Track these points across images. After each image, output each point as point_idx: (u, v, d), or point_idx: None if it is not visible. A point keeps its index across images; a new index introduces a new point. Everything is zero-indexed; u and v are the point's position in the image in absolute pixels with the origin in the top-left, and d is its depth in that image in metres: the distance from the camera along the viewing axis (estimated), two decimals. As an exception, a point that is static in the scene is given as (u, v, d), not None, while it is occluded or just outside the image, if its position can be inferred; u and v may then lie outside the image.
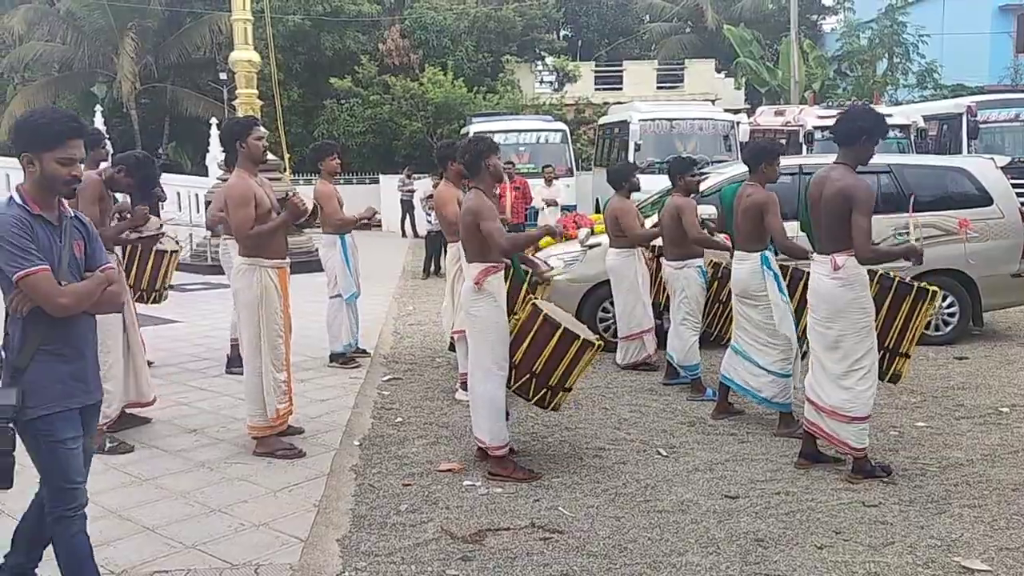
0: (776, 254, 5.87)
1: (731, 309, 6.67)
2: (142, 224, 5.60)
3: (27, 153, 3.00)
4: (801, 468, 5.03)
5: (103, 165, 5.79)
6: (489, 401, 4.92)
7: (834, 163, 4.79)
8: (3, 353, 3.08)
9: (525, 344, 4.96)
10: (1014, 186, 8.89)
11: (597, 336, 5.22)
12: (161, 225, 7.05)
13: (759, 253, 5.74)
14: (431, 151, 23.01)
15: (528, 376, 4.99)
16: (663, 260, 7.04)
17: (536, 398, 5.07)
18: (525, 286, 5.94)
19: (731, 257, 6.24)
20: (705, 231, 6.82)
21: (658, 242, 7.47)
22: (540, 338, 4.93)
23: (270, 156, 15.37)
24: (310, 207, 5.36)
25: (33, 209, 3.00)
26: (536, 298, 5.47)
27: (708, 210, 7.20)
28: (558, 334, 4.91)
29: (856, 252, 4.61)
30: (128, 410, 5.63)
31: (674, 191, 6.90)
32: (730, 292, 6.63)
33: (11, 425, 2.98)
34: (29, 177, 3.03)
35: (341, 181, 7.75)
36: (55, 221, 3.07)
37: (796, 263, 6.09)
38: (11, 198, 3.03)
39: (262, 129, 5.29)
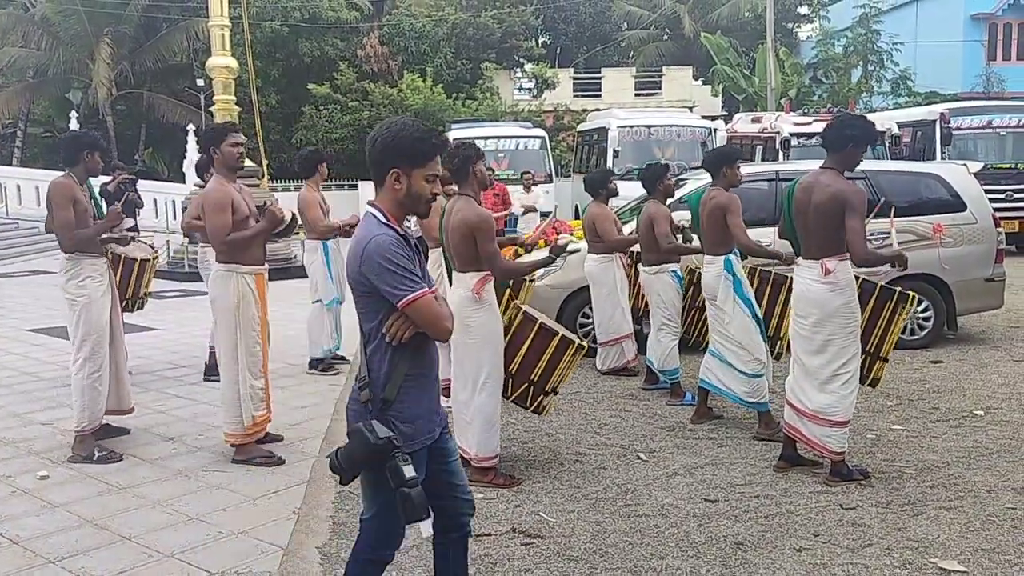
0: (742, 257, 5.93)
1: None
2: (117, 223, 5.55)
3: (397, 169, 2.78)
4: (780, 471, 5.07)
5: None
6: (482, 411, 4.83)
7: (821, 168, 4.82)
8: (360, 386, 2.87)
9: (522, 353, 4.95)
10: (987, 192, 9.02)
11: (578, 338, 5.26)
12: (134, 226, 7.01)
13: (723, 257, 5.79)
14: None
15: (527, 385, 5.00)
16: (639, 266, 7.08)
17: (533, 405, 5.09)
18: (508, 291, 5.95)
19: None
20: (680, 237, 6.87)
21: (636, 248, 7.51)
22: (537, 346, 4.95)
23: (249, 162, 15.34)
24: (288, 216, 5.31)
25: (398, 228, 2.82)
26: (520, 303, 5.48)
27: (686, 216, 7.24)
28: (555, 341, 4.93)
29: (853, 255, 4.65)
30: (109, 417, 5.57)
31: (651, 198, 6.94)
32: (706, 297, 6.69)
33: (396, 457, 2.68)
34: (392, 194, 2.81)
35: (319, 188, 7.70)
36: (409, 241, 2.86)
37: (776, 267, 6.16)
38: (374, 217, 2.82)
39: (239, 136, 5.24)
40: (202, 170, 8.24)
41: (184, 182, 22.31)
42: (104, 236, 5.53)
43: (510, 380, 4.99)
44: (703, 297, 6.89)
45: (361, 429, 2.70)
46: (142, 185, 13.94)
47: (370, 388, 2.82)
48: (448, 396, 5.68)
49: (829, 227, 4.68)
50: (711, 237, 5.89)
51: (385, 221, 2.80)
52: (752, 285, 5.97)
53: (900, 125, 16.07)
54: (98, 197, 5.84)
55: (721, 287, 5.77)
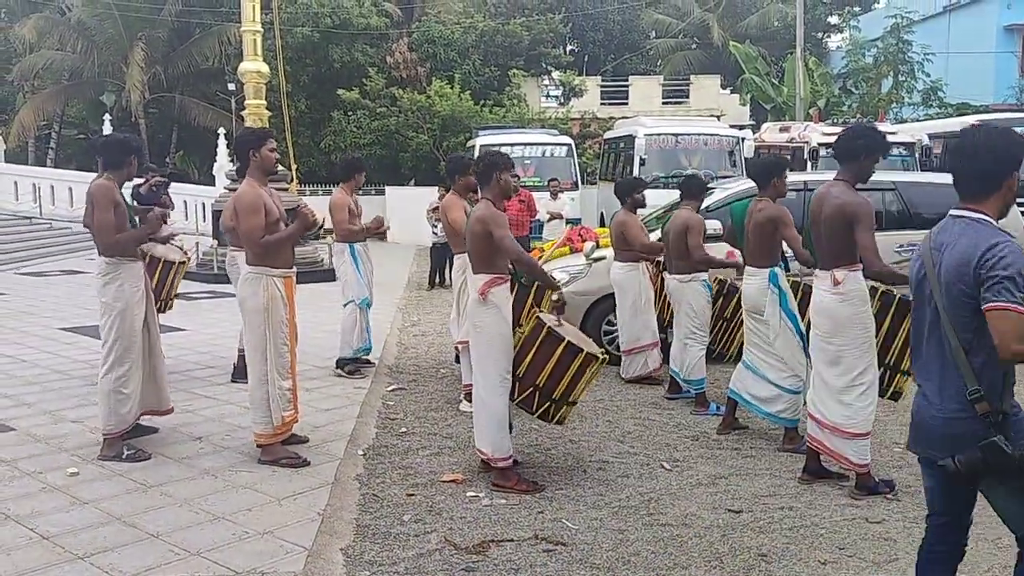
0: (788, 270, 5.88)
1: (735, 327, 6.69)
2: (158, 229, 5.65)
3: (1015, 173, 2.81)
4: (804, 483, 5.03)
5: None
6: (492, 413, 4.93)
7: (834, 179, 4.83)
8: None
9: (529, 357, 4.96)
10: (1019, 205, 8.88)
11: (602, 350, 5.23)
12: (172, 235, 7.14)
13: (768, 270, 5.75)
14: (437, 163, 23.18)
15: (532, 389, 4.99)
16: (667, 274, 7.02)
17: (539, 412, 5.07)
18: (530, 298, 5.96)
19: (738, 273, 6.24)
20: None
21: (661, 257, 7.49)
22: (544, 351, 4.93)
23: (279, 166, 15.49)
24: (320, 219, 5.40)
25: None
26: (541, 310, 5.48)
27: (714, 224, 7.22)
28: (561, 348, 4.90)
29: (865, 267, 4.64)
30: (144, 417, 5.65)
31: (684, 205, 6.89)
32: (735, 309, 6.65)
33: None
34: (1002, 200, 2.85)
35: (352, 194, 7.77)
36: None
37: (806, 279, 6.12)
38: (989, 223, 2.80)
39: (274, 141, 5.35)
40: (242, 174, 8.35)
41: (214, 185, 22.58)
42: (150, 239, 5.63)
43: (516, 383, 5.00)
44: (730, 308, 6.87)
45: (997, 444, 2.68)
46: (173, 188, 14.11)
47: (987, 400, 2.76)
48: (472, 401, 5.72)
49: (837, 238, 4.71)
50: (757, 249, 5.81)
51: (1000, 227, 2.78)
52: (796, 298, 5.91)
53: (931, 136, 15.89)
54: (129, 200, 5.94)
55: (768, 301, 5.70)
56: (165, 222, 8.70)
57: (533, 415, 5.16)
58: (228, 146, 21.73)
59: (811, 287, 6.08)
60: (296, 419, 5.44)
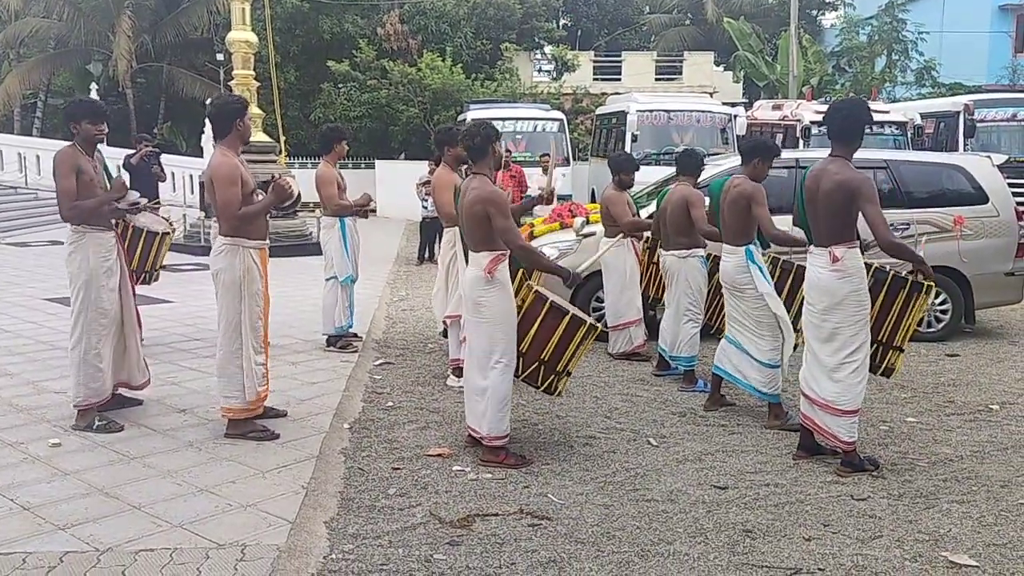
0: (766, 247, 5.86)
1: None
2: (123, 195, 5.52)
3: None
4: (799, 460, 5.02)
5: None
6: (497, 393, 4.83)
7: (831, 156, 4.79)
8: None
9: (533, 331, 4.93)
10: (1010, 185, 8.89)
11: (592, 319, 5.23)
12: (156, 199, 7.02)
13: (744, 247, 5.72)
14: (428, 137, 23.01)
15: (537, 364, 4.97)
16: (663, 250, 6.96)
17: (544, 385, 5.07)
18: (521, 271, 5.91)
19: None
20: None
21: (648, 234, 7.44)
22: (548, 325, 4.91)
23: (266, 138, 15.35)
24: (295, 190, 5.22)
25: None
26: (534, 283, 5.44)
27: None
28: (566, 320, 4.90)
29: (879, 241, 4.59)
30: (122, 389, 5.59)
31: (681, 180, 6.83)
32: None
33: None
34: None
35: (336, 165, 7.66)
36: None
37: (787, 255, 6.10)
38: None
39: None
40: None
41: (202, 156, 22.37)
42: (112, 207, 5.48)
43: (520, 359, 4.96)
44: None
45: None
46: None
47: None
48: (459, 376, 5.69)
49: (837, 215, 4.68)
50: (732, 226, 5.79)
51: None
52: (774, 276, 5.90)
53: (923, 116, 15.87)
54: (110, 169, 5.80)
55: (753, 275, 5.68)
56: (158, 195, 8.63)
57: (539, 389, 5.14)
58: (210, 113, 21.50)
59: (791, 264, 6.09)
60: (266, 395, 5.33)
